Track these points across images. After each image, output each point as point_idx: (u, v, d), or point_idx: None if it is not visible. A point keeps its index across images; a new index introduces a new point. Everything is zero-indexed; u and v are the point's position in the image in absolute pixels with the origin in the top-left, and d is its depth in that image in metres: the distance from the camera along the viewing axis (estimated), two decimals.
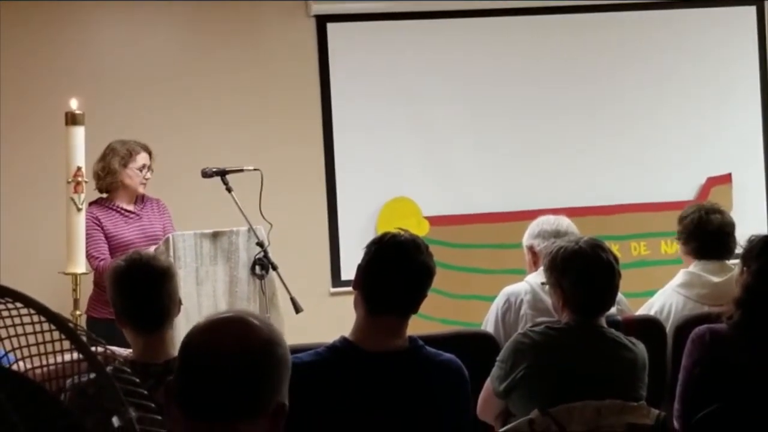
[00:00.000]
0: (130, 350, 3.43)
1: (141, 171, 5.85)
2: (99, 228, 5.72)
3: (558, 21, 7.26)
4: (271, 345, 2.08)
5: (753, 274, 3.84)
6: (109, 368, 1.93)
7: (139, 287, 3.39)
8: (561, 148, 7.24)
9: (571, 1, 7.21)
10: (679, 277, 4.91)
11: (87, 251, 5.10)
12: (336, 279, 6.95)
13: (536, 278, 4.63)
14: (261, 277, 5.31)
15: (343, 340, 3.22)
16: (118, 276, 3.43)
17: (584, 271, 3.78)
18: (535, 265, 4.81)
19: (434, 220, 6.99)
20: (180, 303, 3.51)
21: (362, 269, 3.26)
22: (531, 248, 4.89)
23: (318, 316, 5.93)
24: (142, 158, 5.86)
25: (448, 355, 3.27)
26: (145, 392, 1.94)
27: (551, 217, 4.96)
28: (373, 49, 7.15)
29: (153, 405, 1.93)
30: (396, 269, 3.22)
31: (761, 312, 3.78)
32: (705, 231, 4.88)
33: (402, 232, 3.31)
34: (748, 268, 3.88)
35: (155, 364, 3.24)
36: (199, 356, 2.05)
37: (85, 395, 1.94)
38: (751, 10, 7.39)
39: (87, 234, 5.01)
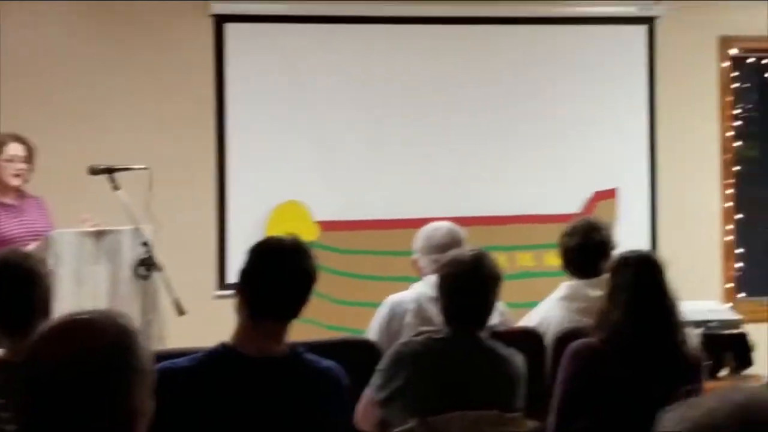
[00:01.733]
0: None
1: (11, 162, 5.74)
2: None
3: (454, 31, 7.31)
4: (116, 349, 2.03)
5: (614, 300, 3.96)
6: None
7: (4, 287, 3.36)
8: (452, 158, 7.30)
9: (468, 11, 7.26)
10: (561, 289, 4.97)
11: None
12: (221, 282, 6.92)
13: (422, 287, 4.66)
14: (145, 278, 5.24)
15: (223, 345, 3.20)
16: None
17: (464, 283, 3.82)
18: (422, 273, 4.83)
19: (324, 225, 6.99)
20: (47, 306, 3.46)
21: (243, 273, 3.25)
22: (418, 257, 4.91)
23: (202, 319, 5.87)
24: (12, 149, 5.73)
25: (328, 362, 3.27)
26: None
27: (442, 226, 4.97)
28: (270, 50, 7.14)
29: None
30: (277, 273, 3.20)
31: (623, 328, 3.88)
32: (587, 246, 4.94)
33: (285, 236, 3.30)
34: (611, 291, 4.00)
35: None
36: (37, 366, 2.01)
37: None
38: (642, 30, 7.52)
39: None
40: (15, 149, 5.74)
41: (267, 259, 3.24)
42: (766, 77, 7.89)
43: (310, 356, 3.26)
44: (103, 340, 2.03)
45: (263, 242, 3.33)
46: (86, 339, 2.02)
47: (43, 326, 2.07)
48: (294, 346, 3.25)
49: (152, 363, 2.11)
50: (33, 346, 2.04)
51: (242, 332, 3.20)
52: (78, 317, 2.07)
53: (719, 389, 1.55)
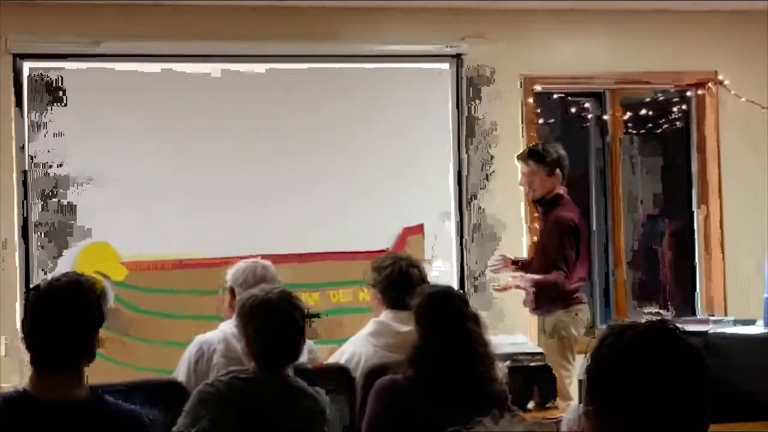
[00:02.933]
0: None
1: None
2: None
3: (264, 73, 7.33)
4: None
5: (420, 335, 4.02)
6: None
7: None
8: (263, 195, 7.28)
9: (287, 49, 7.30)
10: (369, 326, 5.00)
11: None
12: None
13: (230, 326, 4.62)
14: None
15: (17, 391, 3.11)
16: None
17: (269, 321, 3.82)
18: (231, 311, 4.79)
19: (131, 266, 6.89)
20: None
21: (22, 322, 3.17)
22: (229, 294, 4.87)
23: (14, 359, 5.73)
24: None
25: (128, 406, 3.21)
26: None
27: (254, 264, 4.95)
28: (71, 86, 6.97)
29: None
30: (53, 320, 3.11)
31: (429, 369, 3.94)
32: (395, 280, 4.98)
33: (61, 276, 3.21)
34: (417, 326, 4.06)
35: None
36: None
37: None
38: (446, 66, 7.65)
39: None
40: None
41: (41, 305, 3.14)
42: (567, 113, 8.12)
43: (110, 399, 3.19)
44: None
45: (36, 287, 3.23)
46: None
47: None
48: (94, 390, 3.18)
49: None
50: None
51: (35, 377, 3.12)
52: None
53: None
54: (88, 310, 3.14)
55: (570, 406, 3.25)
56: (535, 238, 7.19)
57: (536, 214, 7.01)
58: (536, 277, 6.49)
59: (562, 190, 6.72)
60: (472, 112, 7.64)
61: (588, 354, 2.14)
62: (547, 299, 6.52)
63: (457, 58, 7.65)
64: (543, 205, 6.72)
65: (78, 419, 3.10)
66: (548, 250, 6.55)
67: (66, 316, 3.11)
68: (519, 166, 6.82)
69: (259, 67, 7.34)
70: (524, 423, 1.89)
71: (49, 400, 3.07)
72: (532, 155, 6.71)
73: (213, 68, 7.24)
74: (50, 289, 3.17)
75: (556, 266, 6.44)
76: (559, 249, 6.50)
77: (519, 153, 6.91)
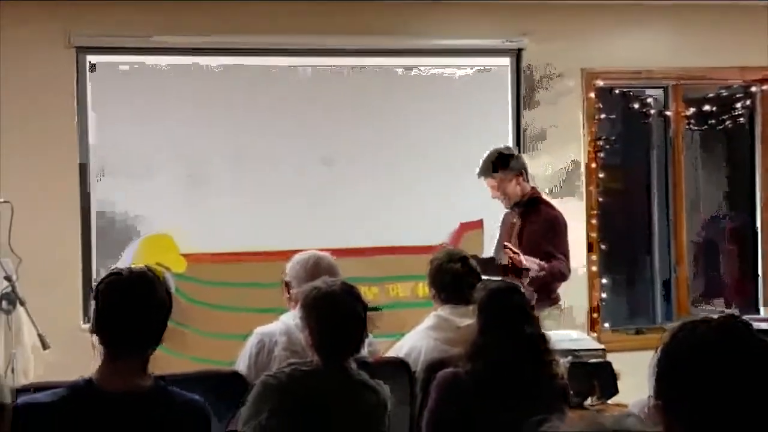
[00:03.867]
0: None
1: None
2: None
3: (327, 62, 7.34)
4: None
5: (480, 330, 4.02)
6: None
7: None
8: (322, 190, 7.32)
9: (340, 43, 7.30)
10: (429, 320, 5.00)
11: None
12: (87, 314, 6.77)
13: (292, 318, 4.62)
14: (8, 312, 5.16)
15: (84, 380, 3.14)
16: None
17: (331, 313, 3.82)
18: (292, 303, 4.80)
19: (191, 258, 6.92)
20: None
21: (93, 311, 3.20)
22: (288, 286, 4.87)
23: (67, 352, 5.76)
24: None
25: (190, 396, 3.23)
26: None
27: (317, 256, 4.94)
28: (134, 82, 7.07)
29: None
30: (124, 308, 3.15)
31: (489, 364, 3.93)
32: (456, 277, 4.99)
33: (130, 268, 3.24)
34: (478, 321, 4.06)
35: None
36: None
37: None
38: (507, 62, 7.63)
39: None
40: None
41: (112, 295, 3.18)
42: (630, 108, 8.06)
43: (174, 389, 3.21)
44: None
45: (107, 277, 3.26)
46: None
47: None
48: (158, 380, 3.20)
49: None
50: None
51: (102, 368, 3.15)
52: None
53: (587, 414, 1.56)
54: (159, 298, 3.18)
55: (634, 404, 3.22)
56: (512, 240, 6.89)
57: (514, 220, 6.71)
58: (542, 263, 6.33)
59: (533, 188, 6.59)
60: (532, 107, 7.61)
61: (658, 348, 2.13)
62: (540, 293, 6.32)
63: (517, 53, 7.62)
64: (523, 206, 6.56)
65: (143, 408, 3.13)
66: (542, 245, 6.34)
67: (138, 303, 3.15)
68: (485, 182, 6.55)
69: (318, 62, 7.34)
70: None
71: (115, 390, 3.10)
72: (496, 165, 6.50)
73: (272, 62, 7.26)
74: (121, 278, 3.20)
75: (555, 258, 6.29)
76: (557, 242, 6.39)
77: (479, 170, 6.57)
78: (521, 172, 6.50)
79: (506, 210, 6.64)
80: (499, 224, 6.75)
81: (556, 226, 6.45)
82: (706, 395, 2.03)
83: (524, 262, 6.14)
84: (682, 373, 2.07)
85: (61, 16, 6.84)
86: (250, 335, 4.75)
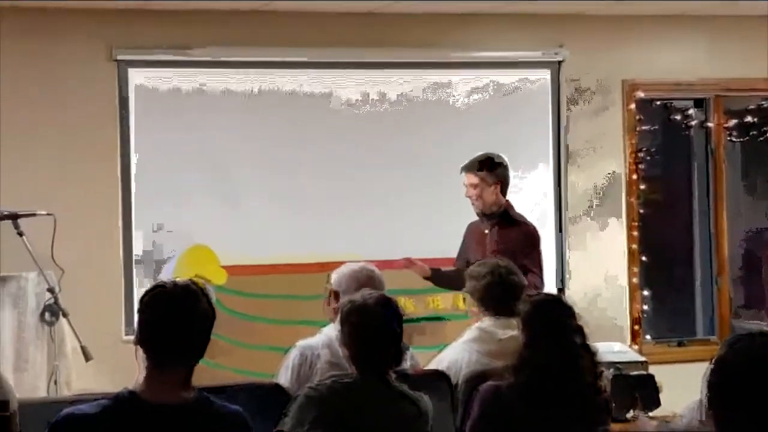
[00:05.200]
0: None
1: None
2: None
3: (354, 75, 7.37)
4: None
5: (525, 343, 4.01)
6: None
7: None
8: (360, 202, 7.34)
9: (374, 56, 7.32)
10: (471, 332, 4.97)
11: None
12: (129, 326, 6.82)
13: (334, 330, 4.59)
14: (51, 324, 5.19)
15: (128, 392, 3.15)
16: None
17: (364, 326, 3.84)
18: (335, 314, 4.77)
19: (231, 270, 6.94)
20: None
21: (138, 323, 3.21)
22: (337, 296, 4.84)
23: (109, 364, 5.80)
24: None
25: (233, 407, 3.23)
26: None
27: (364, 268, 4.93)
28: (174, 95, 7.11)
29: None
30: (169, 320, 3.15)
31: (533, 377, 3.92)
32: (505, 290, 4.95)
33: (175, 280, 3.26)
34: (523, 334, 4.05)
35: None
36: None
37: None
38: (547, 73, 7.63)
39: None
40: None
41: (157, 307, 3.19)
42: (670, 120, 8.03)
43: (216, 401, 3.22)
44: None
45: (152, 289, 3.28)
46: None
47: None
48: (200, 391, 3.21)
49: None
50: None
51: (146, 379, 3.16)
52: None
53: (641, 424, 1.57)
54: (203, 310, 3.19)
55: (686, 407, 3.20)
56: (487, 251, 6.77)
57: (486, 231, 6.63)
58: None
59: (507, 201, 6.51)
60: (572, 120, 7.59)
61: (713, 359, 2.13)
62: None
63: (558, 65, 7.61)
64: (497, 217, 6.45)
65: (187, 420, 3.13)
66: (519, 258, 6.22)
67: (183, 315, 3.15)
68: (466, 177, 6.40)
69: (360, 74, 7.36)
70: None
71: (159, 402, 3.11)
72: (482, 165, 6.39)
73: (308, 89, 7.31)
74: (166, 290, 3.21)
75: (530, 272, 6.22)
76: (533, 256, 6.33)
77: (463, 165, 6.45)
78: (502, 182, 6.42)
79: (474, 218, 6.55)
80: (464, 233, 6.66)
81: (533, 241, 6.40)
82: (760, 407, 2.03)
83: None
84: (737, 384, 2.07)
85: (104, 31, 6.90)
86: (292, 348, 4.75)
